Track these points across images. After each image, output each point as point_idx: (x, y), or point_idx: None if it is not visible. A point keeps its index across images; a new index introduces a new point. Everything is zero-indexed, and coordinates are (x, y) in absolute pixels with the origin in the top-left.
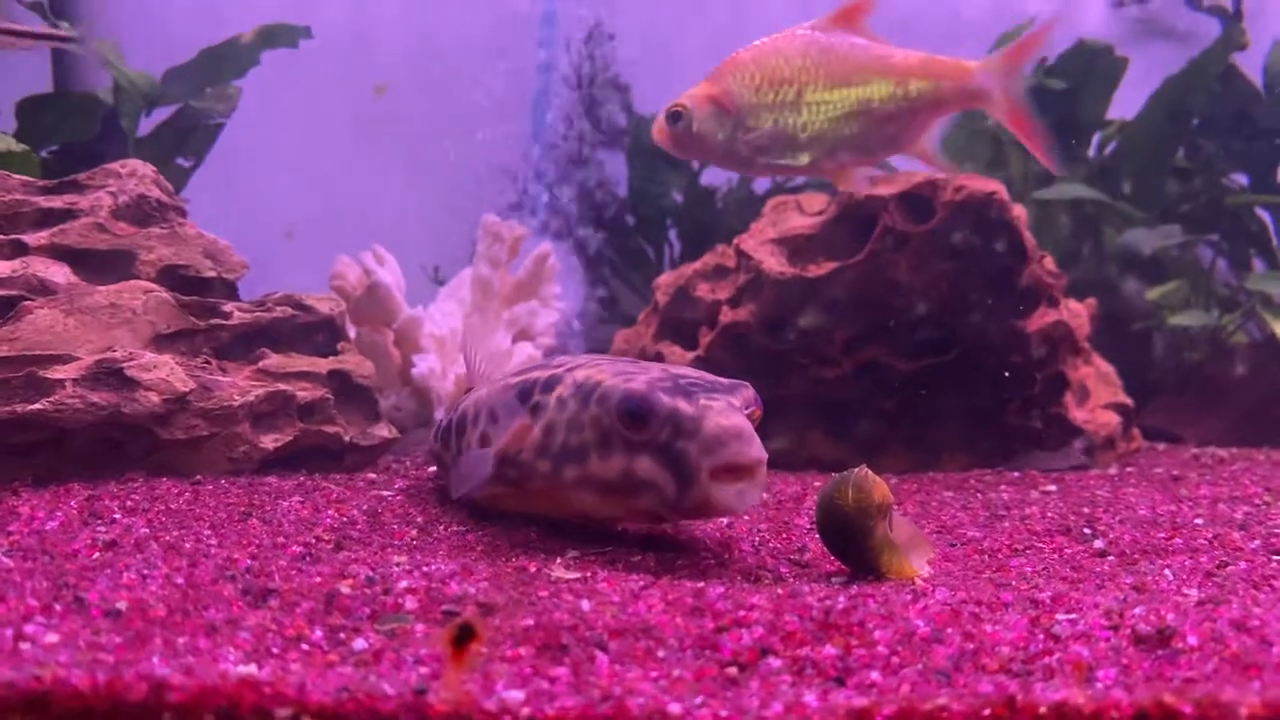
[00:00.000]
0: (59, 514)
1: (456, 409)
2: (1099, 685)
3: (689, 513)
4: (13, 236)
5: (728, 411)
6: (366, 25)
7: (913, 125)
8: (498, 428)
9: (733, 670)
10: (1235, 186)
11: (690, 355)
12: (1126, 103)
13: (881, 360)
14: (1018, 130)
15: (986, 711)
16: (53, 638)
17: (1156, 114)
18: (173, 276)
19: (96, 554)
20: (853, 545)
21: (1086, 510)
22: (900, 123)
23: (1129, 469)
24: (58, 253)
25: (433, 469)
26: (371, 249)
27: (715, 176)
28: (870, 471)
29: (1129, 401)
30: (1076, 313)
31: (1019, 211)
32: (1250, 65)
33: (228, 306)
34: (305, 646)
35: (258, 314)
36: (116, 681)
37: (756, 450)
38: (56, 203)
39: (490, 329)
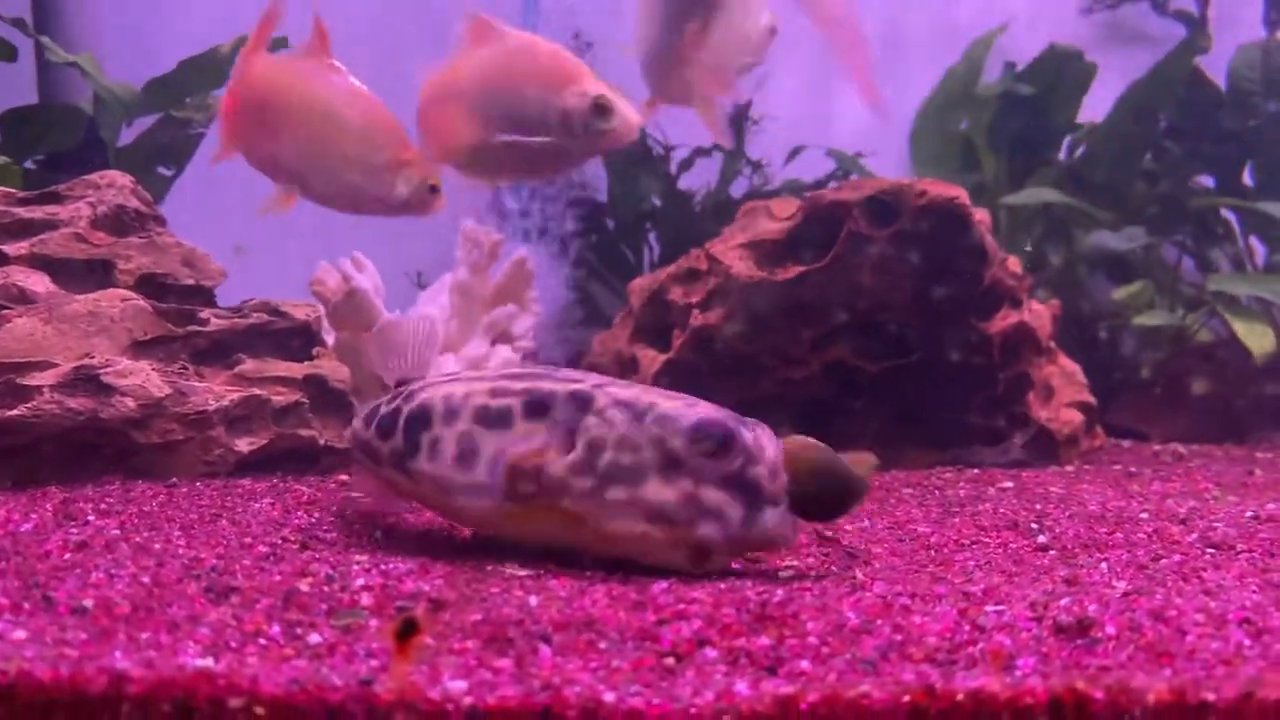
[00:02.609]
0: (34, 516)
1: (408, 396)
2: (1017, 673)
3: (753, 544)
4: None
5: (775, 440)
6: (346, 28)
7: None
8: (491, 435)
9: (670, 661)
10: (1201, 189)
11: (663, 357)
12: (1099, 107)
13: (848, 361)
14: None
15: (906, 698)
16: (20, 634)
17: (1123, 118)
18: (151, 284)
19: (68, 554)
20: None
21: (1038, 506)
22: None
23: (1088, 466)
24: (37, 262)
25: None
26: (351, 255)
27: (692, 181)
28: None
29: (1092, 400)
30: (1039, 313)
31: (981, 215)
32: (1217, 70)
33: (205, 313)
34: (263, 641)
35: (234, 320)
36: (78, 675)
37: None
38: (37, 213)
39: (470, 333)
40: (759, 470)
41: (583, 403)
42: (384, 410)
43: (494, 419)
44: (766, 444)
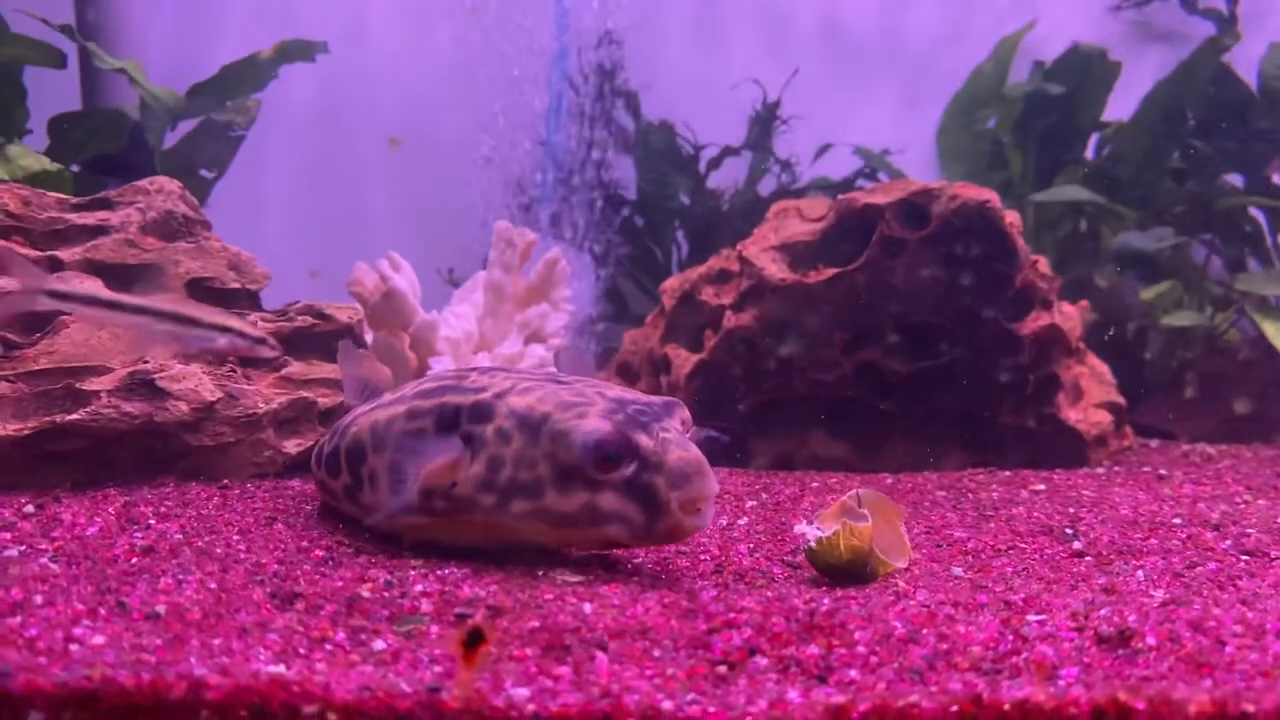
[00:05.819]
0: (98, 520)
1: (342, 432)
2: (1061, 684)
3: (658, 539)
4: (49, 253)
5: (683, 442)
6: (386, 36)
7: None
8: (410, 456)
9: (722, 669)
10: (1230, 187)
11: (695, 358)
12: (1128, 105)
13: (880, 363)
14: None
15: (954, 708)
16: (99, 639)
17: (1151, 116)
18: (199, 288)
19: (135, 559)
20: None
21: (1071, 510)
22: None
23: (1118, 468)
24: (91, 268)
25: None
26: (388, 255)
27: (721, 180)
28: (855, 523)
29: (1121, 400)
30: (1069, 315)
31: (1012, 218)
32: (1248, 68)
33: (251, 316)
34: (329, 647)
35: (280, 323)
36: (159, 681)
37: (714, 483)
38: (89, 219)
39: (503, 331)
40: (655, 479)
41: (483, 416)
42: (327, 449)
43: (413, 441)
44: (672, 446)
